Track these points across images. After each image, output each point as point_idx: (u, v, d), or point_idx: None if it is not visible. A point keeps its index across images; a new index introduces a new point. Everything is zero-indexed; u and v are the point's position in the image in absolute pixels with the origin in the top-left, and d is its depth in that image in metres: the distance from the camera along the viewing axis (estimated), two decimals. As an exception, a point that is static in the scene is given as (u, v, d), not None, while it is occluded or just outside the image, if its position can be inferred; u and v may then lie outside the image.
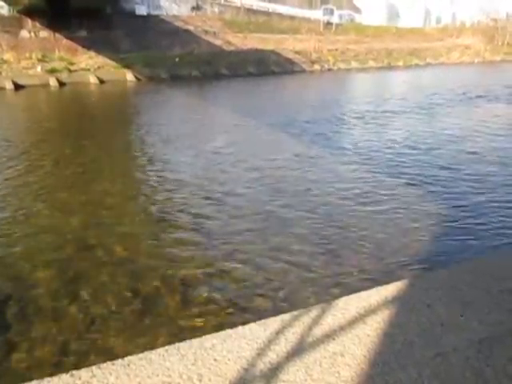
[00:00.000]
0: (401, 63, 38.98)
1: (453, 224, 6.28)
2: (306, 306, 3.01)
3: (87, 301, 4.59)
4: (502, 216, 6.54)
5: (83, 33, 28.26)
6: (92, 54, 27.09)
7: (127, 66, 26.50)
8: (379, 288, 3.16)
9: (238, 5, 39.79)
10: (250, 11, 39.65)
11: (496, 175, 8.56)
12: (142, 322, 4.23)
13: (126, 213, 6.88)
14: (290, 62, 33.19)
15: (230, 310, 4.32)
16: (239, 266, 5.16)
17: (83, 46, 27.32)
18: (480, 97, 18.72)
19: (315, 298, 4.29)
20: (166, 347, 2.62)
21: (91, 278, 5.02)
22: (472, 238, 5.86)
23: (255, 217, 6.55)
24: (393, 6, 52.21)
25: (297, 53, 34.11)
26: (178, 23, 34.58)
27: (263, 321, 2.86)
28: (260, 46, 33.41)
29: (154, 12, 35.63)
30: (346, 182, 8.21)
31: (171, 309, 4.42)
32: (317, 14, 41.77)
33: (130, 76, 26.13)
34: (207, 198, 7.35)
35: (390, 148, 10.71)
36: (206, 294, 4.61)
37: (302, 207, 6.88)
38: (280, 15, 40.43)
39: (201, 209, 6.90)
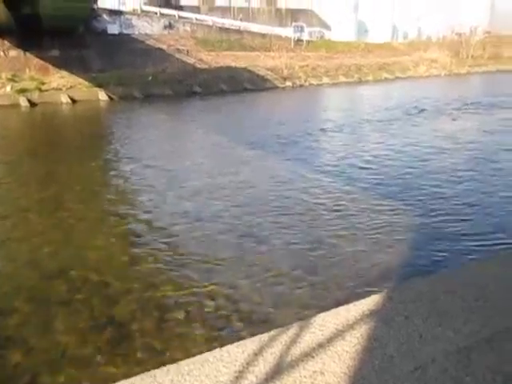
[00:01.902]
0: (371, 78, 39.86)
1: (426, 235, 6.36)
2: (283, 324, 2.96)
3: (59, 329, 4.42)
4: (474, 226, 6.67)
5: (55, 52, 27.94)
6: (64, 73, 26.77)
7: (100, 85, 26.29)
8: (356, 303, 3.14)
9: (210, 23, 40.19)
10: (222, 29, 40.08)
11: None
12: (116, 349, 4.09)
13: (97, 235, 6.73)
14: (263, 78, 33.54)
15: (208, 332, 4.23)
16: (215, 286, 5.08)
17: (55, 66, 26.99)
18: (425, 111, 18.91)
19: (293, 315, 4.25)
20: (142, 375, 2.53)
21: (63, 304, 4.85)
22: (445, 247, 5.94)
23: (230, 234, 6.50)
24: (361, 22, 53.65)
25: (269, 70, 34.52)
26: (151, 42, 34.67)
27: (241, 342, 2.80)
28: (232, 64, 33.72)
29: (127, 31, 35.64)
30: (315, 196, 8.23)
31: (147, 334, 4.30)
32: (287, 32, 42.52)
33: (102, 95, 25.91)
34: (183, 216, 7.26)
35: (365, 162, 10.84)
36: (182, 317, 4.51)
37: (275, 224, 6.86)
38: (251, 33, 41.00)
39: (174, 228, 6.80)
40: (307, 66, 37.11)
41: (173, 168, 10.77)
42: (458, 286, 3.37)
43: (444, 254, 5.71)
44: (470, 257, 5.44)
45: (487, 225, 6.74)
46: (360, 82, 38.36)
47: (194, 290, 4.93)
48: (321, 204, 7.73)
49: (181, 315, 4.48)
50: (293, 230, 6.61)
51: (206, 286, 5.01)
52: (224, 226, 6.77)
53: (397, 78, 41.28)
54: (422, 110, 18.34)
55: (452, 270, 4.14)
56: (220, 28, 40.10)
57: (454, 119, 16.22)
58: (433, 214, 7.20)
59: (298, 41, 42.34)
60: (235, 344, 2.75)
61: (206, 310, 4.60)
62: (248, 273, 5.31)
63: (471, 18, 55.07)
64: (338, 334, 2.71)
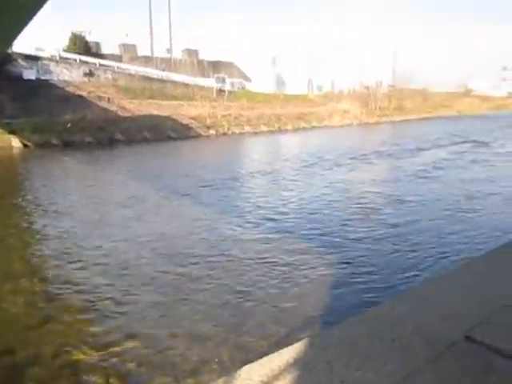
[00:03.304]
0: (290, 127, 41.93)
1: (345, 278, 6.61)
2: (208, 381, 2.91)
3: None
4: (389, 267, 7.07)
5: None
6: (-27, 119, 25.18)
7: (13, 132, 24.93)
8: (281, 351, 3.18)
9: (132, 72, 40.34)
10: (145, 78, 40.38)
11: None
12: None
13: (7, 294, 6.19)
14: (186, 127, 33.93)
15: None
16: (138, 343, 4.85)
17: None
18: (329, 160, 19.52)
19: (219, 370, 4.17)
20: None
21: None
22: (364, 289, 6.22)
23: (152, 288, 6.30)
24: (279, 74, 56.88)
25: (192, 118, 35.06)
26: (70, 88, 33.90)
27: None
28: (156, 112, 33.82)
29: (44, 77, 34.64)
30: (234, 243, 8.28)
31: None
32: (209, 82, 43.82)
33: (16, 142, 24.57)
34: (101, 274, 6.92)
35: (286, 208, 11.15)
36: (101, 381, 4.24)
37: (199, 274, 6.78)
38: (174, 82, 41.68)
39: (92, 282, 6.45)
40: (230, 115, 38.27)
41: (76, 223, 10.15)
42: (375, 326, 3.51)
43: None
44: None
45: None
46: (280, 130, 40.19)
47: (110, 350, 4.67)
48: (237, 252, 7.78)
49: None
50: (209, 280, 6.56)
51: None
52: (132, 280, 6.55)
53: (313, 127, 43.88)
54: (328, 160, 19.35)
55: (370, 310, 4.35)
56: (142, 77, 40.39)
57: (351, 170, 17.05)
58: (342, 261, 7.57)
59: (220, 91, 43.73)
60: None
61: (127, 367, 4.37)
62: (170, 323, 5.16)
63: (377, 73, 60.72)
64: (264, 386, 2.72)
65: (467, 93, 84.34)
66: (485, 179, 14.49)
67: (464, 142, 26.59)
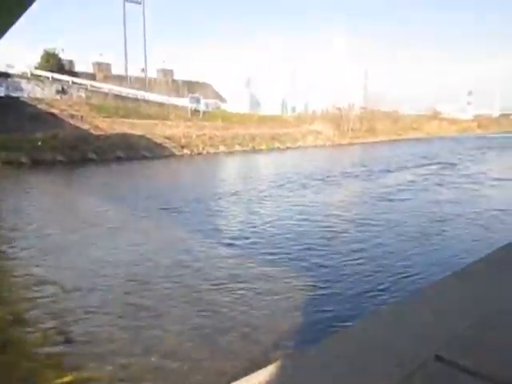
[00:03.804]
0: (264, 147, 42.32)
1: (309, 303, 6.58)
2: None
3: None
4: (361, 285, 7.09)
5: None
6: None
7: (-22, 150, 24.31)
8: (253, 375, 3.17)
9: (106, 90, 40.11)
10: (119, 97, 40.19)
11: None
12: None
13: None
14: (160, 146, 33.81)
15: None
16: (108, 368, 4.71)
17: None
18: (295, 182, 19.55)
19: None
20: None
21: None
22: (337, 309, 6.25)
23: (119, 310, 6.15)
24: (253, 95, 57.66)
25: (166, 138, 34.99)
26: (42, 106, 33.33)
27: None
28: (129, 131, 33.59)
29: (14, 94, 34.00)
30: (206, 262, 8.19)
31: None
32: (184, 102, 43.94)
33: (-19, 160, 23.93)
34: (66, 299, 6.67)
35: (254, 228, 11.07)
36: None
37: (171, 295, 6.67)
38: (149, 102, 41.61)
39: (57, 306, 6.23)
40: (204, 135, 38.38)
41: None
42: (348, 347, 3.53)
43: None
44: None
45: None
46: (254, 150, 40.53)
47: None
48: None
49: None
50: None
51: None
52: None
53: (288, 147, 44.46)
54: (295, 181, 19.41)
55: (343, 332, 4.37)
56: (116, 95, 40.21)
57: (317, 192, 17.02)
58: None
59: (195, 111, 43.89)
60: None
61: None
62: (139, 349, 5.04)
63: (349, 95, 62.31)
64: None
65: (436, 115, 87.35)
66: (450, 201, 14.72)
67: (431, 163, 27.39)
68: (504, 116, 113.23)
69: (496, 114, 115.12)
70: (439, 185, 18.54)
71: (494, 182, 18.90)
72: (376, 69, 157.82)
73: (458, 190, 17.07)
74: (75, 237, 10.25)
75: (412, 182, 19.46)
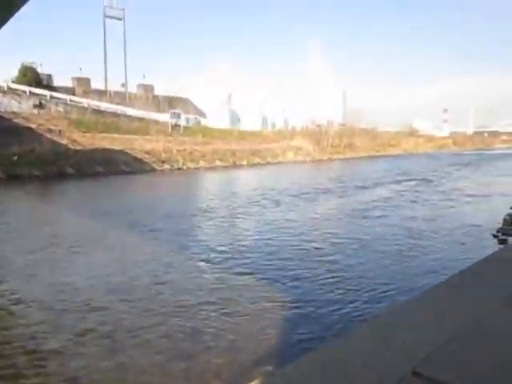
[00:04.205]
0: (245, 162, 42.52)
1: (284, 323, 6.54)
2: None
3: None
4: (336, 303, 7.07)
5: None
6: None
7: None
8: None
9: (85, 105, 39.80)
10: (98, 112, 39.91)
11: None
12: None
13: None
14: (140, 161, 33.62)
15: None
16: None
17: None
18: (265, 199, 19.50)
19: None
20: None
21: None
22: (316, 326, 6.24)
23: (100, 328, 6.03)
24: (234, 111, 58.01)
25: (147, 153, 34.84)
26: (19, 120, 32.87)
27: None
28: (109, 146, 33.33)
29: (-11, 107, 33.46)
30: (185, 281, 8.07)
31: None
32: (165, 117, 43.93)
33: (-46, 176, 23.38)
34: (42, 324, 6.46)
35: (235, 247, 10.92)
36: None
37: (150, 312, 6.55)
38: (129, 117, 41.44)
39: (36, 329, 6.05)
40: (185, 150, 38.36)
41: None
42: (327, 366, 3.54)
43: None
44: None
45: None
46: (235, 166, 40.64)
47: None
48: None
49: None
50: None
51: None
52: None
53: (268, 163, 44.73)
54: (270, 198, 19.23)
55: (320, 349, 4.37)
56: (96, 110, 39.93)
57: (289, 210, 16.67)
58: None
59: (176, 126, 43.86)
60: None
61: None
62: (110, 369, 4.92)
63: (328, 111, 63.31)
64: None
65: (413, 132, 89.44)
66: (425, 219, 14.74)
67: (407, 180, 27.87)
68: (478, 133, 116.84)
69: (470, 131, 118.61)
70: (414, 202, 18.63)
71: (469, 199, 19.28)
72: (355, 86, 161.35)
73: (434, 207, 17.25)
74: (34, 257, 9.81)
75: (388, 198, 19.56)
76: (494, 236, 12.06)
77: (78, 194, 22.50)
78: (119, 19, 50.25)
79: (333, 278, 8.40)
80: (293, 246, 10.97)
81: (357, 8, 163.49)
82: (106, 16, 49.33)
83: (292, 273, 8.71)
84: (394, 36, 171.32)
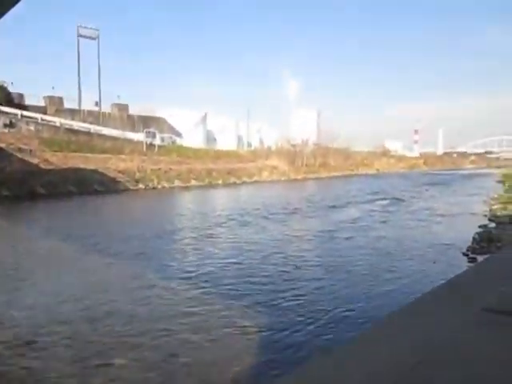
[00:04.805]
0: (220, 182, 42.50)
1: (270, 338, 6.53)
2: None
3: None
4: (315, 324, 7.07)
5: None
6: None
7: None
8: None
9: (58, 124, 39.23)
10: (71, 131, 39.38)
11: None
12: None
13: None
14: (114, 181, 33.20)
15: None
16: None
17: None
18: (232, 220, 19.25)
19: None
20: None
21: None
22: (292, 349, 6.24)
23: (81, 346, 5.92)
24: (209, 131, 58.15)
25: (120, 172, 34.45)
26: (-13, 139, 32.08)
27: None
28: (82, 165, 32.85)
29: (-43, 127, 32.58)
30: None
31: None
32: (139, 136, 43.68)
33: None
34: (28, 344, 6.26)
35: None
36: None
37: (127, 335, 6.48)
38: (102, 136, 41.02)
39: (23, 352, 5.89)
40: (159, 169, 38.11)
41: None
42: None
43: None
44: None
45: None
46: (211, 185, 40.55)
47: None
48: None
49: None
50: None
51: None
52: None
53: (244, 182, 44.84)
54: (240, 220, 19.03)
55: (297, 372, 4.35)
56: (68, 129, 39.38)
57: (256, 232, 16.36)
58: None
59: (150, 145, 43.61)
60: None
61: None
62: None
63: (303, 131, 64.18)
64: None
65: (385, 153, 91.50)
66: (396, 239, 14.84)
67: (379, 199, 28.35)
68: (447, 154, 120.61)
69: (440, 151, 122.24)
70: (385, 222, 18.70)
71: (439, 218, 19.73)
72: (328, 107, 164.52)
73: (405, 227, 17.52)
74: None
75: (359, 218, 19.67)
76: (464, 254, 12.36)
77: (45, 214, 21.94)
78: (93, 39, 50.10)
79: (298, 305, 8.20)
80: (258, 269, 10.78)
81: (332, 34, 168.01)
82: (79, 35, 49.10)
83: (255, 298, 8.50)
84: (369, 57, 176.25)
